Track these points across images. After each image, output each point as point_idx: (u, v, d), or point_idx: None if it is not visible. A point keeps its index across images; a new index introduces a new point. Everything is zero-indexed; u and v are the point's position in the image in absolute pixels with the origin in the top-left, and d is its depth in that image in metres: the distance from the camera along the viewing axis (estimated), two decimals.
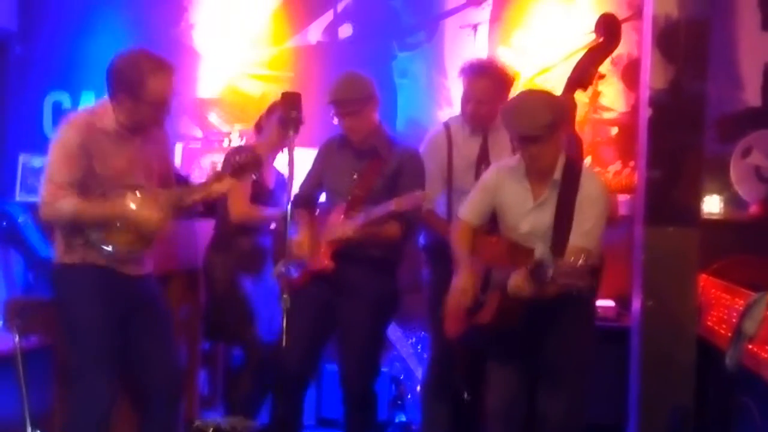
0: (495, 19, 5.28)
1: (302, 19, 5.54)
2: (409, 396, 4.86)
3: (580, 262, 2.98)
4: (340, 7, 5.51)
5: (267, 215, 4.23)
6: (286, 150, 3.43)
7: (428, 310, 4.06)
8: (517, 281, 3.16)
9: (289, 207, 3.40)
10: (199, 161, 5.42)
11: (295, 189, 3.70)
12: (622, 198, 5.02)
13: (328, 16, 5.53)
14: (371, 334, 3.80)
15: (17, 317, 3.66)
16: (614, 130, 5.17)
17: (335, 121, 3.78)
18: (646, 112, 4.22)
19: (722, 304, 3.96)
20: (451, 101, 5.17)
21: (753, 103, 5.02)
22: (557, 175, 3.36)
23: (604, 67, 3.85)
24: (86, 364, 3.29)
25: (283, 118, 3.47)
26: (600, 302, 4.31)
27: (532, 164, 3.38)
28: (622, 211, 4.96)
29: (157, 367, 3.44)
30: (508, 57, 4.96)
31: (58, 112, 5.52)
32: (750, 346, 3.43)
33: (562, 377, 3.45)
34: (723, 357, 3.56)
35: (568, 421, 3.45)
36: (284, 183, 3.46)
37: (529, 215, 3.40)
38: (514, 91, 3.96)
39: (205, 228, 4.39)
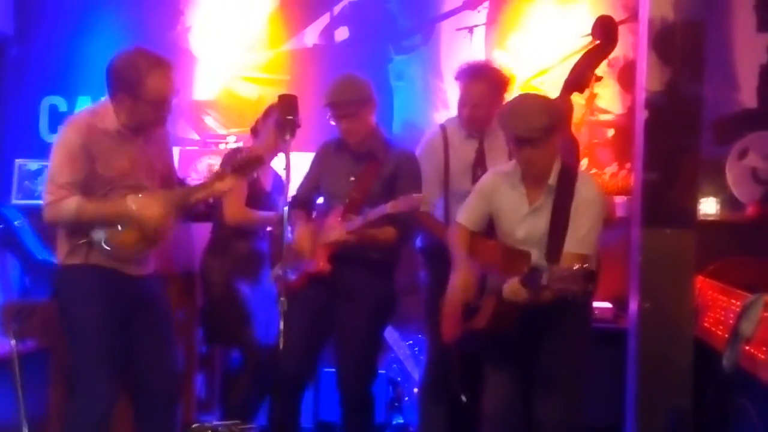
0: (491, 21, 5.29)
1: (298, 22, 5.54)
2: (406, 398, 4.86)
3: (575, 267, 2.98)
4: (336, 10, 5.52)
5: (262, 218, 4.22)
6: (282, 154, 3.43)
7: (425, 312, 4.06)
8: (512, 287, 3.16)
9: (285, 210, 3.40)
10: (196, 164, 5.41)
11: (292, 192, 3.70)
12: (619, 200, 5.03)
13: (324, 19, 5.54)
14: (368, 336, 3.80)
15: (14, 321, 3.66)
16: (611, 132, 5.18)
17: (332, 123, 3.78)
18: (642, 114, 4.23)
19: (719, 306, 3.96)
20: (447, 104, 5.18)
21: (749, 105, 5.03)
22: (552, 180, 3.35)
23: (601, 70, 3.84)
24: (87, 365, 3.29)
25: (280, 121, 3.46)
26: (597, 304, 4.32)
27: (527, 169, 3.38)
28: (619, 212, 4.97)
29: (156, 369, 3.44)
30: (504, 60, 4.96)
31: (55, 115, 5.53)
32: (747, 348, 3.43)
33: (557, 383, 3.44)
34: (720, 358, 3.56)
35: (562, 426, 3.45)
36: (282, 185, 3.46)
37: (524, 221, 3.39)
38: (511, 94, 3.96)
39: (202, 231, 4.39)
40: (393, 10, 5.44)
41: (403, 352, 4.84)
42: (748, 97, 5.03)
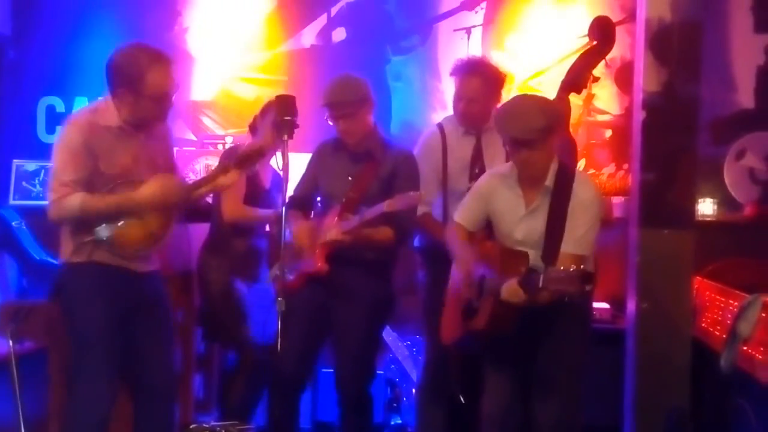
0: (489, 22, 5.30)
1: (296, 22, 5.54)
2: (404, 399, 4.86)
3: (572, 269, 2.98)
4: (333, 11, 5.52)
5: (260, 216, 4.21)
6: (280, 154, 3.42)
7: (423, 312, 4.06)
8: (510, 288, 3.15)
9: (283, 210, 3.39)
10: (193, 165, 5.41)
11: (290, 192, 3.70)
12: (617, 200, 5.03)
13: (321, 20, 5.54)
14: (367, 336, 3.80)
15: (11, 322, 3.65)
16: (608, 133, 5.19)
17: (330, 123, 3.78)
18: (639, 115, 4.23)
19: (717, 306, 3.96)
20: (445, 104, 5.18)
21: (746, 105, 5.05)
22: (549, 181, 3.35)
23: (598, 70, 3.85)
24: (87, 364, 3.28)
25: (278, 121, 3.45)
26: (595, 304, 4.32)
27: (523, 170, 3.37)
28: (617, 213, 4.98)
29: (155, 368, 3.43)
30: (501, 60, 4.96)
31: (52, 116, 5.52)
32: (745, 348, 3.43)
33: (555, 384, 3.44)
34: (718, 359, 3.57)
35: (561, 427, 3.44)
36: (280, 182, 3.45)
37: (521, 222, 3.39)
38: (508, 95, 3.96)
39: (199, 231, 4.38)
40: (390, 10, 5.44)
41: (402, 352, 4.84)
42: (745, 98, 5.05)
